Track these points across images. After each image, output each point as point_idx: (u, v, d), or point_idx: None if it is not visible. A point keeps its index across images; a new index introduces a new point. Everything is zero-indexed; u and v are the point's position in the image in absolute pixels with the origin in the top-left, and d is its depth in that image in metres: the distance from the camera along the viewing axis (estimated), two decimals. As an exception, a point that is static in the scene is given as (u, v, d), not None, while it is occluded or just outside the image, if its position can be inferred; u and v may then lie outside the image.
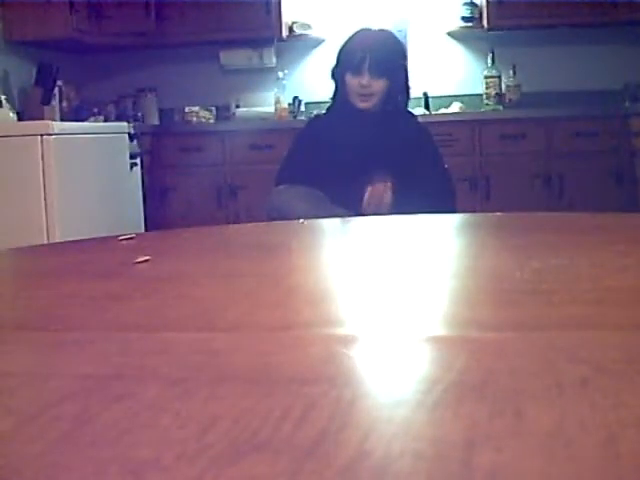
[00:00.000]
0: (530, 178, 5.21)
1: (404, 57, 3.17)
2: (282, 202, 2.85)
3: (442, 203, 2.92)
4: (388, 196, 2.93)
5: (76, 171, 4.42)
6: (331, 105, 3.20)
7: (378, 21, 5.47)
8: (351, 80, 3.01)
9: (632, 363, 0.66)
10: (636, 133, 4.99)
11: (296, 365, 0.68)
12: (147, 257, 1.28)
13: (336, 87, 3.13)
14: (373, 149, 3.00)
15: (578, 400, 0.56)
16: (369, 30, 3.17)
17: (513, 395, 0.58)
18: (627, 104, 5.43)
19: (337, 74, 3.09)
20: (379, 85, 3.01)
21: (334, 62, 3.11)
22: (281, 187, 3.00)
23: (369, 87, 2.99)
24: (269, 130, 5.41)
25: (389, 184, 2.94)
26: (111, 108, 5.89)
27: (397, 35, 3.27)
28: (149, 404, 0.58)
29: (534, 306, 0.90)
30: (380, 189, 2.94)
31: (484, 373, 0.64)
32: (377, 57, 3.00)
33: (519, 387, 0.60)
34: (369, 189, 2.95)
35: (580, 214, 2.00)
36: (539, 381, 0.61)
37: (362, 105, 3.03)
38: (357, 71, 3.00)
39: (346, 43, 3.10)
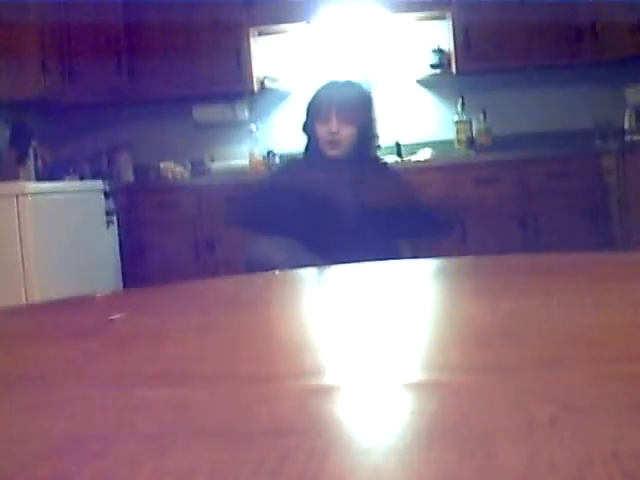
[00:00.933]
0: (505, 220, 5.25)
1: (370, 104, 3.20)
2: (259, 252, 2.86)
3: (431, 232, 3.00)
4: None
5: (53, 230, 4.41)
6: (303, 157, 3.23)
7: (347, 72, 5.54)
8: (320, 129, 3.05)
9: (601, 400, 0.67)
10: (608, 171, 5.04)
11: (271, 417, 0.69)
12: (123, 314, 1.28)
13: (308, 139, 3.16)
14: (343, 196, 3.02)
15: (547, 439, 0.57)
16: (336, 81, 3.22)
17: (484, 437, 0.58)
18: (598, 143, 5.49)
19: (308, 126, 3.12)
20: (347, 132, 3.04)
21: (304, 115, 3.15)
22: (258, 238, 3.02)
23: (337, 134, 3.03)
24: (244, 183, 5.42)
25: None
26: (86, 166, 5.88)
27: (365, 84, 3.31)
28: (125, 461, 0.59)
29: (505, 348, 0.91)
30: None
31: (455, 416, 0.65)
32: (344, 104, 3.06)
33: (490, 429, 0.60)
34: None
35: (553, 254, 2.02)
36: (509, 422, 0.62)
37: (331, 153, 3.06)
38: (325, 119, 3.04)
39: (314, 94, 3.14)
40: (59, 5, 5.45)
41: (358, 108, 3.11)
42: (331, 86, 3.19)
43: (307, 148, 3.20)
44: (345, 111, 3.05)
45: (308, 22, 5.76)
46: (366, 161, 3.19)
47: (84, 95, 5.69)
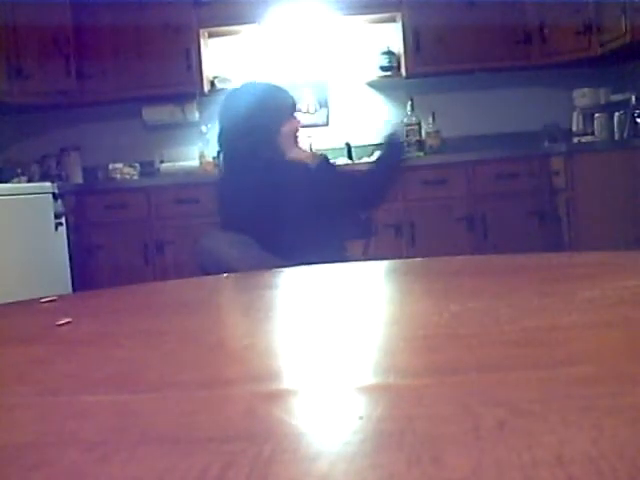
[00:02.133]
0: (454, 222, 5.28)
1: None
2: (212, 247, 2.87)
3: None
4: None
5: (0, 233, 4.36)
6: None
7: (297, 75, 5.55)
8: (287, 126, 3.16)
9: (547, 402, 0.67)
10: (556, 172, 5.09)
11: (216, 423, 0.68)
12: (69, 319, 1.26)
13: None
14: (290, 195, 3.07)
15: (495, 443, 0.57)
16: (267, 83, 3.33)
17: (431, 442, 0.58)
18: (546, 144, 5.55)
19: (269, 128, 3.18)
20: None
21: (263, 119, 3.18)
22: (210, 233, 3.05)
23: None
24: (194, 184, 5.39)
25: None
26: (35, 168, 5.82)
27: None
28: (67, 470, 0.58)
29: (452, 351, 0.91)
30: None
31: (402, 421, 0.64)
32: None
33: (437, 433, 0.60)
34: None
35: (501, 256, 2.04)
36: (456, 426, 0.61)
37: (297, 141, 3.24)
38: (292, 117, 3.19)
39: (283, 97, 3.22)
40: (5, 5, 5.38)
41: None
42: (279, 88, 3.25)
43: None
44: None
45: (259, 23, 5.75)
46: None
47: (32, 96, 5.62)
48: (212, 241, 2.96)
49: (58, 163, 5.92)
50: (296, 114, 3.20)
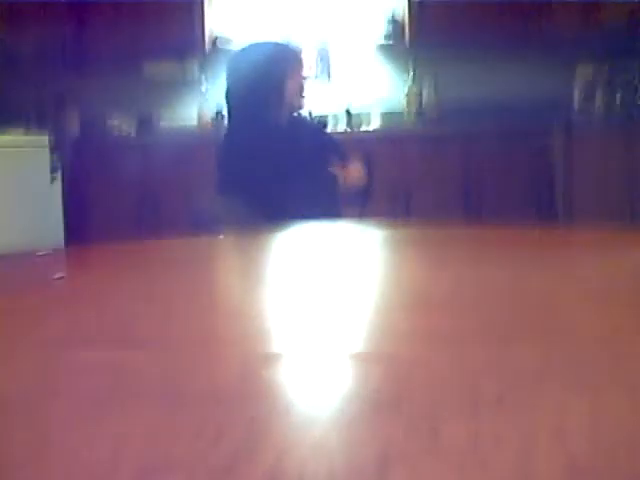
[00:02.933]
0: (450, 193, 5.27)
1: None
2: (206, 211, 2.88)
3: None
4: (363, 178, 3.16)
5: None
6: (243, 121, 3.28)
7: (298, 37, 5.52)
8: (292, 84, 3.18)
9: (546, 376, 0.66)
10: (555, 147, 5.08)
11: (210, 383, 0.67)
12: (63, 274, 1.25)
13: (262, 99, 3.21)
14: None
15: (493, 415, 0.57)
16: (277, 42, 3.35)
17: (429, 411, 0.58)
18: (545, 118, 5.53)
19: (274, 83, 3.18)
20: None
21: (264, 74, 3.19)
22: (205, 196, 3.09)
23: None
24: (191, 144, 5.37)
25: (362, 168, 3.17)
26: (32, 116, 5.78)
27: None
28: (59, 425, 0.57)
29: (450, 319, 0.91)
30: (359, 170, 3.16)
31: (400, 389, 0.64)
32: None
33: (435, 403, 0.60)
34: (345, 170, 3.15)
35: (497, 228, 2.03)
36: (455, 397, 0.61)
37: (302, 102, 3.25)
38: (297, 72, 3.22)
39: (281, 53, 3.23)
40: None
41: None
42: (283, 45, 3.31)
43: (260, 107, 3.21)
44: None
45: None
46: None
47: (29, 42, 5.56)
48: (205, 204, 2.97)
49: (55, 114, 5.87)
50: (301, 72, 3.20)
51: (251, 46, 3.30)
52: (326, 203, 3.03)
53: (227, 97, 3.21)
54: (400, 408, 0.59)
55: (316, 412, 0.60)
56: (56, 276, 1.24)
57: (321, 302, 1.06)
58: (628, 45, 5.56)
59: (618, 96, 5.26)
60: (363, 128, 5.69)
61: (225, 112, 3.40)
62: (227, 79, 3.23)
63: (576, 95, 5.62)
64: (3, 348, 0.84)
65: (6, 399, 0.64)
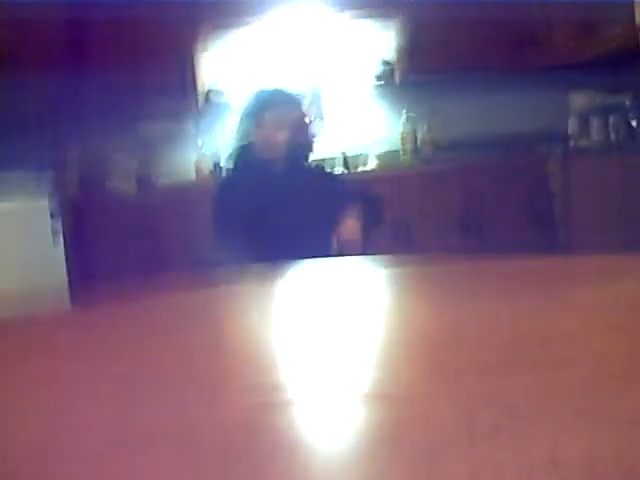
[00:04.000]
0: (450, 226, 5.28)
1: (302, 111, 3.29)
2: (207, 257, 2.90)
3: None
4: (358, 233, 3.07)
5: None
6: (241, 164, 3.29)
7: (293, 84, 5.56)
8: (259, 133, 3.20)
9: (544, 406, 0.67)
10: (552, 175, 5.10)
11: (214, 433, 0.68)
12: (66, 334, 1.26)
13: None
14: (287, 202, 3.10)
15: (492, 448, 0.57)
16: (270, 89, 3.35)
17: (428, 447, 0.58)
18: (542, 148, 5.56)
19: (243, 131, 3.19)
20: (283, 136, 3.17)
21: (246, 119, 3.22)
22: (206, 242, 3.13)
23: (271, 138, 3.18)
24: (191, 197, 5.40)
25: (359, 223, 3.08)
26: (30, 183, 5.80)
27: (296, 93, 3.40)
28: (64, 471, 0.57)
29: (448, 354, 0.91)
30: (351, 226, 3.07)
31: (399, 427, 0.64)
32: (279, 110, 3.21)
33: (434, 438, 0.60)
34: (343, 226, 3.08)
35: (497, 259, 2.04)
36: (454, 430, 0.61)
37: (266, 155, 3.21)
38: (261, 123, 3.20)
39: (254, 101, 3.22)
40: None
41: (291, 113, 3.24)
42: (266, 93, 3.32)
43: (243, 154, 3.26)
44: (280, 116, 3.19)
45: (254, 32, 5.77)
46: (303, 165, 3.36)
47: (26, 109, 5.60)
48: (205, 250, 3.00)
49: (55, 177, 5.88)
50: (277, 125, 3.18)
51: (260, 92, 3.33)
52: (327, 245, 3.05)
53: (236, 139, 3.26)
54: (399, 446, 0.59)
55: (318, 454, 0.60)
56: (60, 338, 1.25)
57: (321, 346, 1.06)
58: (621, 71, 5.60)
59: (611, 122, 5.29)
60: (360, 169, 5.72)
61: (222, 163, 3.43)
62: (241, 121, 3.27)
63: (570, 122, 5.64)
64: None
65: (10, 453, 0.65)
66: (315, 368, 0.92)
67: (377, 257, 2.87)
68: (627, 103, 5.22)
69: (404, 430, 0.64)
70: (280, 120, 3.17)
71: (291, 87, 3.56)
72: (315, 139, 3.34)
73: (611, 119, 5.27)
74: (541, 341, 0.95)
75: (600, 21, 5.16)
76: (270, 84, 3.61)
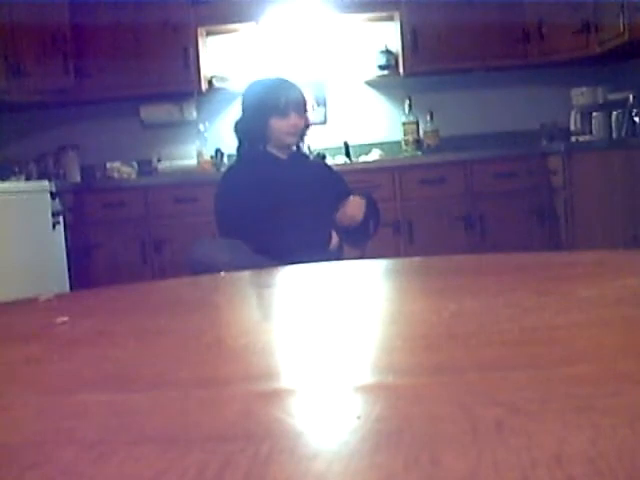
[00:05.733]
0: (452, 220, 5.27)
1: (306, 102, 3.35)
2: (202, 254, 2.86)
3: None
4: (362, 210, 3.12)
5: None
6: (244, 153, 3.27)
7: (295, 72, 5.54)
8: (277, 123, 3.15)
9: (545, 402, 0.67)
10: (554, 171, 5.09)
11: (214, 423, 0.68)
12: (66, 318, 1.26)
13: (250, 135, 3.21)
14: (296, 192, 3.09)
15: (493, 443, 0.57)
16: (281, 78, 3.32)
17: (429, 442, 0.58)
18: (544, 143, 5.55)
19: (257, 121, 3.16)
20: (301, 122, 3.23)
21: (250, 112, 3.20)
22: (201, 239, 3.10)
23: (296, 126, 3.19)
24: (192, 183, 5.39)
25: (363, 200, 3.15)
26: (32, 166, 5.81)
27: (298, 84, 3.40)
28: (64, 470, 0.57)
29: (450, 350, 0.91)
30: (358, 203, 3.13)
31: (400, 420, 0.64)
32: (298, 100, 3.22)
33: (435, 433, 0.60)
34: (349, 200, 3.15)
35: (499, 255, 2.04)
36: (455, 426, 0.61)
37: (290, 140, 3.23)
38: (284, 113, 3.16)
39: (267, 92, 3.20)
40: (3, 3, 5.36)
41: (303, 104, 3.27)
42: (281, 83, 3.30)
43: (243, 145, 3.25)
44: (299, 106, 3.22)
45: (257, 22, 5.75)
46: (302, 156, 3.45)
47: (30, 94, 5.61)
48: (202, 248, 2.96)
49: (56, 161, 5.91)
50: (293, 112, 3.18)
51: (258, 81, 3.33)
52: (327, 240, 3.05)
53: (235, 128, 3.25)
54: (401, 439, 0.59)
55: (319, 445, 0.60)
56: (59, 321, 1.25)
57: (324, 337, 1.06)
58: (623, 66, 5.60)
59: (614, 118, 5.28)
60: (362, 159, 5.70)
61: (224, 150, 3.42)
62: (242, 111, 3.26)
63: (572, 118, 5.64)
64: (6, 393, 0.84)
65: (10, 445, 0.64)
66: (316, 359, 0.92)
67: (377, 254, 2.88)
68: (629, 99, 5.21)
69: (405, 422, 0.64)
70: (293, 108, 3.17)
71: (292, 76, 3.54)
72: (309, 127, 3.34)
73: (613, 115, 5.27)
74: (543, 337, 0.95)
75: (603, 17, 5.15)
76: (271, 73, 3.61)
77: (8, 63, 5.42)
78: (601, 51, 5.28)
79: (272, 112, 3.16)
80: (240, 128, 3.24)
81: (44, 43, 5.60)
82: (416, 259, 2.11)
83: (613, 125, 5.31)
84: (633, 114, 5.17)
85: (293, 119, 3.16)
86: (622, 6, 4.81)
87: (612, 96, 5.48)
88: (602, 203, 4.87)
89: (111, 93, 5.75)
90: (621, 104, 5.31)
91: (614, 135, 5.28)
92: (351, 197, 3.16)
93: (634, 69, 5.52)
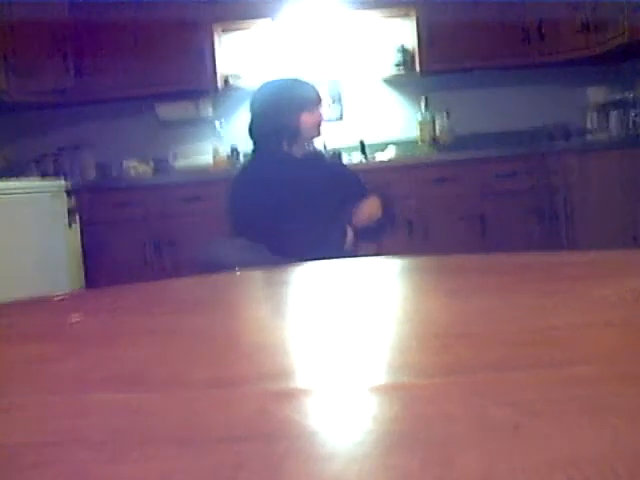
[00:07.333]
0: (462, 219, 5.26)
1: None
2: (218, 254, 2.86)
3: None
4: (379, 209, 3.19)
5: (12, 230, 4.36)
6: (258, 153, 3.27)
7: (312, 70, 5.54)
8: (309, 117, 3.20)
9: (560, 403, 0.66)
10: (555, 171, 5.08)
11: (228, 423, 0.67)
12: (79, 317, 1.26)
13: (277, 133, 3.21)
14: (313, 189, 3.09)
15: (507, 445, 0.57)
16: (296, 78, 3.38)
17: (444, 443, 0.58)
18: (545, 143, 5.54)
19: (286, 118, 3.17)
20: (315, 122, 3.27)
21: (277, 110, 3.20)
22: (217, 239, 3.10)
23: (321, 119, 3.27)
24: (208, 181, 5.39)
25: (379, 200, 3.22)
26: (48, 164, 5.83)
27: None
28: (75, 470, 0.57)
29: (464, 350, 0.90)
30: (374, 202, 3.19)
31: (415, 421, 0.64)
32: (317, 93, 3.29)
33: (450, 434, 0.60)
34: (366, 200, 3.20)
35: (503, 254, 2.03)
36: (469, 427, 0.61)
37: (318, 134, 3.28)
38: (313, 108, 3.23)
39: (296, 89, 3.23)
40: (2, 3, 5.36)
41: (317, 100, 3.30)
42: (296, 80, 3.36)
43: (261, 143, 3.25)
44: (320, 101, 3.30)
45: (272, 19, 5.75)
46: (317, 153, 3.51)
47: (30, 95, 5.60)
48: (217, 247, 2.97)
49: (71, 159, 5.92)
50: (319, 106, 3.22)
51: (271, 82, 3.33)
52: (342, 238, 3.04)
53: (249, 131, 3.26)
54: (416, 439, 0.59)
55: (334, 446, 0.60)
56: (73, 320, 1.25)
57: (338, 336, 1.06)
58: (625, 66, 5.58)
59: (614, 118, 5.27)
60: (378, 158, 5.70)
61: (240, 147, 3.43)
62: (251, 113, 3.27)
63: (589, 117, 5.62)
64: (20, 391, 0.84)
65: (21, 444, 0.64)
66: (331, 358, 0.92)
67: (392, 252, 2.88)
68: (630, 99, 5.19)
69: (420, 423, 0.63)
70: (317, 103, 3.23)
71: (307, 73, 3.57)
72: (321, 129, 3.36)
73: (613, 115, 5.25)
74: (555, 337, 0.94)
75: (618, 14, 5.11)
76: (285, 73, 3.63)
77: (7, 63, 5.40)
78: (602, 51, 5.26)
79: (303, 107, 3.20)
80: (256, 128, 3.23)
81: (43, 42, 5.58)
82: (422, 258, 2.11)
83: (613, 125, 5.30)
84: (633, 115, 5.15)
85: (319, 113, 3.24)
86: (624, 6, 4.80)
87: (613, 96, 5.46)
88: (602, 203, 4.86)
89: (126, 91, 5.76)
90: (622, 104, 5.29)
91: (614, 135, 5.27)
92: (368, 197, 3.18)
93: (635, 69, 5.51)
